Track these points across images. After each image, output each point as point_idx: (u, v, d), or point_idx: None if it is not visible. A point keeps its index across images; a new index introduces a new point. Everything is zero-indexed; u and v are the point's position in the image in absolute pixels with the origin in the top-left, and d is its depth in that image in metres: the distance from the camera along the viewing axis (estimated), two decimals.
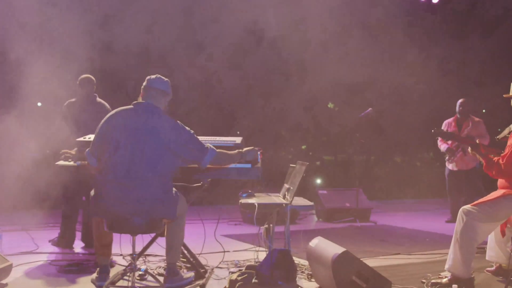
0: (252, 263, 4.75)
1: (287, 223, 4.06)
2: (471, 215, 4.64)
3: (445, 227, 8.53)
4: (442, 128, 9.21)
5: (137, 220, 3.97)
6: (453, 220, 9.03)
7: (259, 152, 4.64)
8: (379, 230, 8.11)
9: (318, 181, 13.15)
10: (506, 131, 4.79)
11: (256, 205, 4.02)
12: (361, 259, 4.38)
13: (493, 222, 4.67)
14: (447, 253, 6.24)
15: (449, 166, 8.95)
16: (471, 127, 8.73)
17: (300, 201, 4.54)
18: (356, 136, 8.67)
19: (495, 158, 4.60)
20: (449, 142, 8.78)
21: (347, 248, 6.58)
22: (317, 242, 4.52)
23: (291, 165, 4.72)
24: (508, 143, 4.57)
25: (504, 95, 4.88)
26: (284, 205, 4.09)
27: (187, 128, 4.26)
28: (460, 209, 4.76)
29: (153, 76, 4.37)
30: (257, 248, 5.49)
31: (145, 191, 3.98)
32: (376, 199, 12.47)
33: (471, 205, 4.70)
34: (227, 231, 7.66)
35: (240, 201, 4.35)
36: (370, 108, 8.48)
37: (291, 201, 4.11)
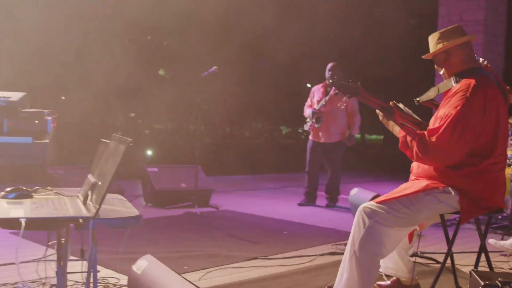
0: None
1: (90, 252, 2.17)
2: (376, 216, 3.12)
3: (300, 212, 7.18)
4: (310, 94, 7.88)
5: None
6: (307, 202, 7.77)
7: (50, 118, 2.70)
8: (223, 218, 6.49)
9: (149, 152, 11.15)
10: (431, 93, 3.32)
11: (23, 223, 2.06)
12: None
13: (407, 227, 3.20)
14: (316, 256, 4.84)
15: (312, 137, 7.67)
16: (338, 95, 7.48)
17: (116, 204, 2.58)
18: (196, 102, 6.91)
19: (420, 133, 3.11)
20: (316, 107, 7.52)
21: (186, 251, 4.90)
22: (145, 267, 2.73)
23: (102, 140, 2.77)
24: (440, 113, 3.09)
25: (423, 56, 3.44)
26: (81, 220, 2.15)
27: None
28: (360, 208, 3.22)
29: None
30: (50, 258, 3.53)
31: None
32: (212, 175, 10.89)
33: (376, 202, 3.18)
34: None
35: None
36: (215, 67, 6.77)
37: (98, 209, 2.20)
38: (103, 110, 19.86)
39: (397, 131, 3.22)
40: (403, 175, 12.75)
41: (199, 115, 6.87)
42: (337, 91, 3.29)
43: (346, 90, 3.29)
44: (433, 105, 3.42)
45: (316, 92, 7.78)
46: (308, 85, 43.39)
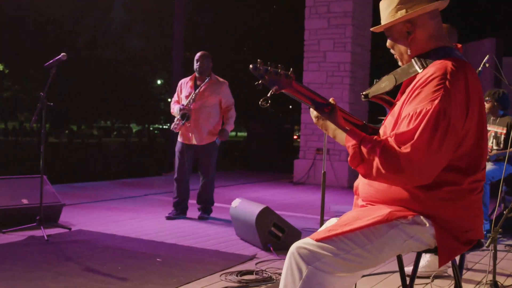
0: None
1: None
2: (318, 261, 2.15)
3: (170, 228, 6.08)
4: (178, 89, 6.83)
5: None
6: (176, 214, 6.67)
7: None
8: (78, 243, 5.20)
9: None
10: (384, 84, 2.35)
11: None
12: None
13: (360, 272, 2.25)
14: None
15: (181, 138, 6.63)
16: (209, 88, 6.52)
17: None
18: (40, 97, 5.55)
19: (382, 139, 2.16)
20: (184, 102, 6.50)
21: None
22: None
23: None
24: (408, 110, 2.13)
25: (372, 29, 2.51)
26: None
27: None
28: (292, 250, 2.22)
29: None
30: None
31: None
32: (59, 182, 9.43)
33: (316, 240, 2.19)
34: None
35: None
36: (63, 54, 5.48)
37: None
38: None
39: (342, 138, 2.25)
40: (274, 175, 11.96)
41: (43, 113, 5.52)
42: (260, 81, 2.21)
43: (273, 81, 2.23)
44: (385, 101, 2.50)
45: (184, 86, 6.74)
46: (158, 81, 42.06)
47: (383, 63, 15.45)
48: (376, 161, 2.09)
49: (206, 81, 6.48)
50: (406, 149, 2.04)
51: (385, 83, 2.37)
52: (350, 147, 2.19)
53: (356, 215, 2.24)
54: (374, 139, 2.14)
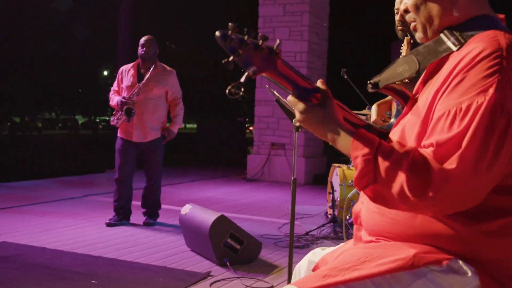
0: None
1: None
2: None
3: (110, 236, 5.33)
4: (118, 77, 6.06)
5: None
6: (118, 220, 5.93)
7: None
8: (0, 261, 4.41)
9: None
10: (402, 69, 1.64)
11: None
12: None
13: None
14: None
15: (121, 134, 5.87)
16: (154, 78, 5.77)
17: None
18: None
19: (409, 149, 1.45)
20: (125, 94, 5.76)
21: None
22: None
23: None
24: (443, 107, 1.44)
25: None
26: None
27: None
28: None
29: None
30: None
31: None
32: None
33: None
34: None
35: None
36: None
37: None
38: None
39: (344, 143, 1.54)
40: (226, 171, 11.23)
41: None
42: (231, 57, 1.41)
43: (251, 58, 1.41)
44: (397, 93, 1.83)
45: (126, 74, 5.95)
46: (105, 72, 40.71)
47: (340, 55, 14.94)
48: (401, 182, 1.40)
49: (151, 69, 5.73)
50: (450, 164, 1.37)
51: (402, 67, 1.66)
52: (360, 157, 1.47)
53: (363, 254, 1.57)
54: (396, 148, 1.46)
